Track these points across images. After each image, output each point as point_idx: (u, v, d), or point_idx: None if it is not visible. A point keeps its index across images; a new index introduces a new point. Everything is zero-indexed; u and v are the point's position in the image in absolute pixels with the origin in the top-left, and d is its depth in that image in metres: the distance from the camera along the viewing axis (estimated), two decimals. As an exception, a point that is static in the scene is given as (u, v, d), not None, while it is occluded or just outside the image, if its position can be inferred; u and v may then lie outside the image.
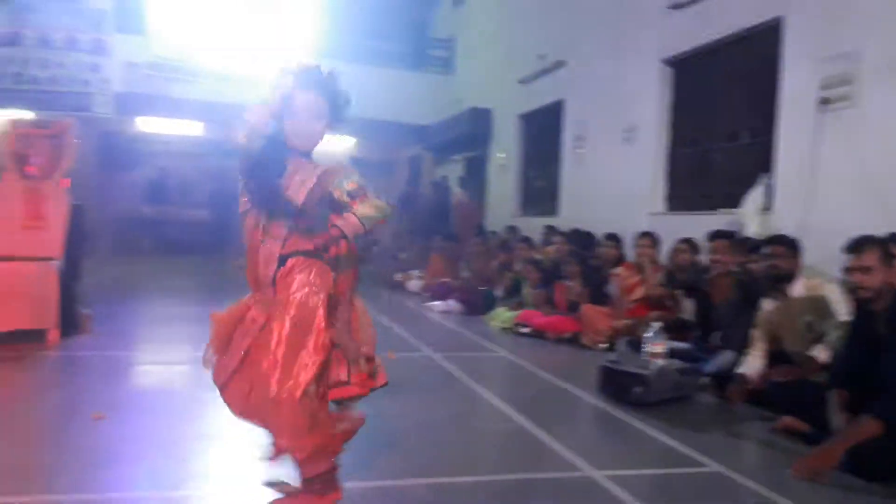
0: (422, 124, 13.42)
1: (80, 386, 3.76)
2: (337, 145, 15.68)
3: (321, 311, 2.14)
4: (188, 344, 5.14)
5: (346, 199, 2.15)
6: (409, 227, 12.06)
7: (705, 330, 4.57)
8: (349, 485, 2.33)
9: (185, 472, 2.60)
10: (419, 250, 10.41)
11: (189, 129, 14.08)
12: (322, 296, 2.15)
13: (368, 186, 2.20)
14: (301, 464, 2.17)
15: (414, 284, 9.10)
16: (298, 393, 2.03)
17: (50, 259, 4.62)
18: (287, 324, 2.09)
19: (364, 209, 2.15)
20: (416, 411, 3.56)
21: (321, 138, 2.25)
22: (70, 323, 4.80)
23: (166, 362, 4.53)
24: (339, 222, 2.14)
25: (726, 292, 4.40)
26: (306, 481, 2.20)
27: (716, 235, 4.72)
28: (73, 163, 4.80)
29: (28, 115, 9.45)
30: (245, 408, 2.21)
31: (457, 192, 12.16)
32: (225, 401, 2.26)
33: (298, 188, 2.15)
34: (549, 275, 6.44)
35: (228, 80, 11.22)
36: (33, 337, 4.50)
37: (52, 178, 4.75)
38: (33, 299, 4.45)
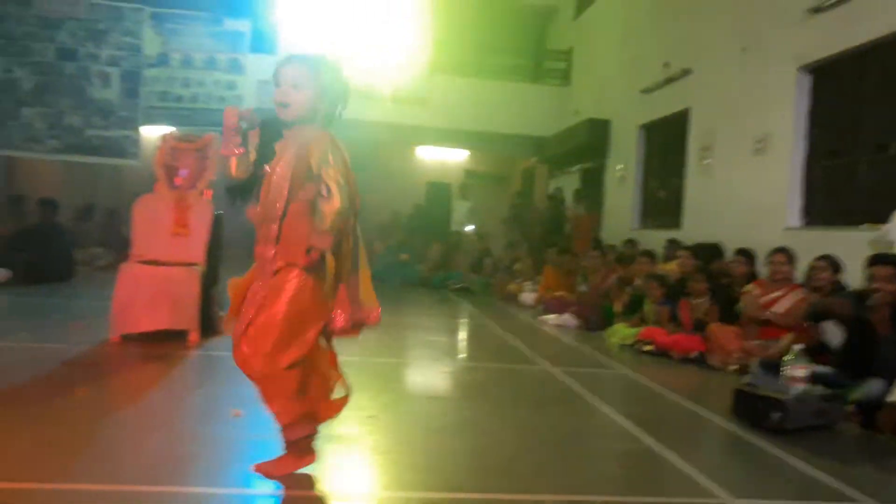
0: (537, 135, 13.36)
1: (218, 384, 3.99)
2: (450, 158, 15.95)
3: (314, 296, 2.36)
4: None
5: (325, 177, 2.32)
6: (522, 239, 12.04)
7: (852, 356, 4.22)
8: (476, 496, 2.33)
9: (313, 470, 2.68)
10: (533, 262, 10.36)
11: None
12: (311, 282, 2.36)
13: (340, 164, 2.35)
14: (284, 428, 2.43)
15: (527, 297, 9.04)
16: (285, 363, 2.30)
17: (194, 264, 4.94)
18: (283, 299, 2.32)
19: (326, 219, 2.30)
20: (539, 426, 3.53)
21: (303, 107, 2.42)
22: (208, 325, 5.10)
23: None
24: (314, 241, 2.31)
25: (888, 322, 4.01)
26: (288, 444, 2.46)
27: (876, 260, 4.15)
28: (215, 175, 5.13)
29: (174, 130, 10.21)
30: (247, 372, 2.39)
31: (570, 205, 12.00)
32: (236, 363, 2.41)
33: (281, 183, 2.38)
34: (674, 291, 6.20)
35: (363, 98, 11.63)
36: (176, 337, 4.83)
37: (197, 189, 5.11)
38: (178, 302, 4.76)
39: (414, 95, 12.66)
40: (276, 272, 2.35)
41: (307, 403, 2.43)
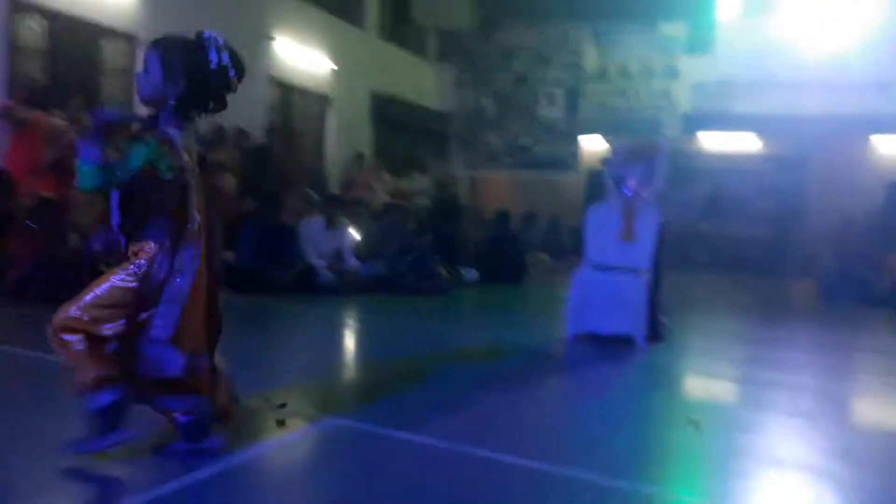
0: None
1: (666, 389, 4.03)
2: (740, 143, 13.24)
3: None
4: (741, 361, 5.05)
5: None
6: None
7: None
8: None
9: (720, 487, 2.53)
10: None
11: (747, 144, 13.87)
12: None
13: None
14: None
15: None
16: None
17: (641, 270, 5.07)
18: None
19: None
20: None
21: (147, 91, 2.24)
22: (654, 331, 5.18)
23: (723, 377, 4.49)
24: None
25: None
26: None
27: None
28: (663, 182, 5.19)
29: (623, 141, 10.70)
30: None
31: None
32: None
33: None
34: None
35: (801, 90, 10.62)
36: (623, 341, 5.02)
37: (644, 196, 5.23)
38: (627, 307, 4.94)
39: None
40: None
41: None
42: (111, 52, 8.53)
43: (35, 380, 3.21)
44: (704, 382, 4.32)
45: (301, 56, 11.05)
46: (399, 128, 13.37)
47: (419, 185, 12.06)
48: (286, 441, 2.67)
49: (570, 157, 12.21)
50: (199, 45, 2.23)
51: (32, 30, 7.53)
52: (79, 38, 8.04)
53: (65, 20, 7.70)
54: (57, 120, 7.23)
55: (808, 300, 9.52)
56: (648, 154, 5.42)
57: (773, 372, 4.61)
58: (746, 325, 6.97)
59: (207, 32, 2.26)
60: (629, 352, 4.88)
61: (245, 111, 9.53)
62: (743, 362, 5.03)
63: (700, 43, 12.02)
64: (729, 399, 4.10)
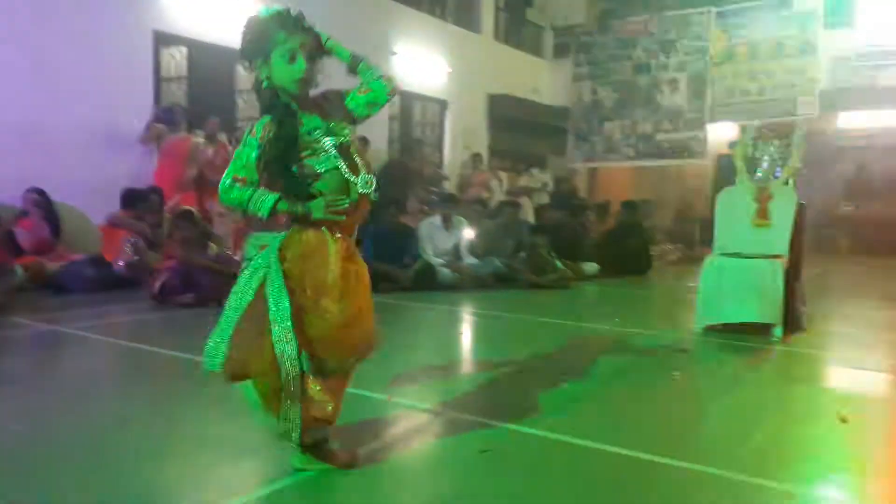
0: None
1: (808, 382, 3.75)
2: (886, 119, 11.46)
3: None
4: (891, 350, 4.60)
5: None
6: None
7: None
8: None
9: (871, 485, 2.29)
10: None
11: (893, 119, 12.66)
12: None
13: None
14: None
15: None
16: None
17: (778, 257, 4.76)
18: None
19: None
20: None
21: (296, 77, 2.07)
22: (792, 320, 4.84)
23: (871, 368, 4.09)
24: None
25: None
26: None
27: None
28: (801, 163, 4.84)
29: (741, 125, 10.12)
30: None
31: None
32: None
33: None
34: None
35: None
36: (759, 330, 4.73)
37: (781, 178, 4.91)
38: (763, 295, 4.65)
39: None
40: None
41: None
42: (244, 75, 9.12)
43: (178, 379, 3.47)
44: (850, 374, 3.97)
45: (419, 63, 11.31)
46: (516, 126, 13.37)
47: (538, 181, 11.98)
48: (412, 436, 2.72)
49: (696, 144, 11.67)
50: None
51: (174, 58, 8.21)
52: (216, 63, 8.67)
53: (203, 48, 8.32)
54: (197, 139, 7.85)
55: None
56: (782, 133, 5.09)
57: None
58: (894, 312, 6.35)
59: None
60: (765, 342, 4.59)
61: (367, 122, 9.87)
62: (892, 352, 4.58)
63: (839, 16, 11.12)
64: (878, 391, 3.75)
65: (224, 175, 2.02)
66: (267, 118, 2.04)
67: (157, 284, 5.44)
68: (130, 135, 7.40)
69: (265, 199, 2.00)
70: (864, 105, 12.10)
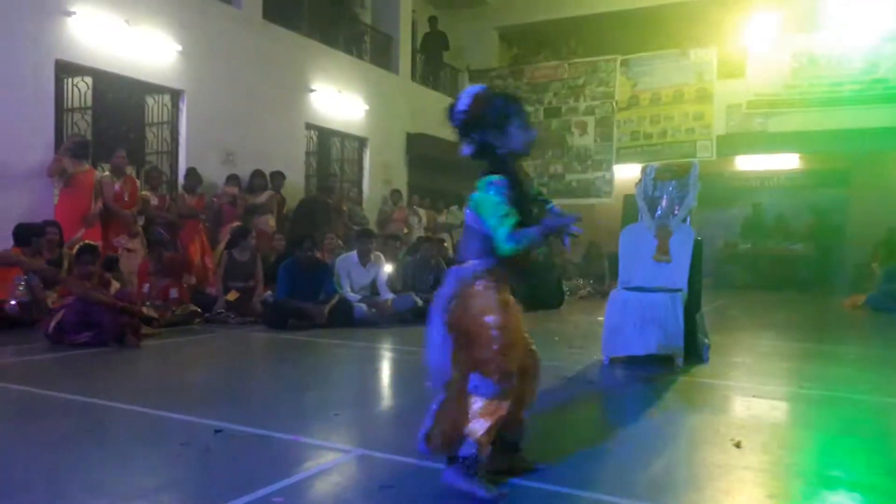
0: None
1: (708, 411, 3.91)
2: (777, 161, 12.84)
3: None
4: (787, 378, 4.88)
5: None
6: None
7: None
8: None
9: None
10: None
11: (783, 162, 13.64)
12: None
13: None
14: None
15: None
16: None
17: (677, 291, 4.99)
18: None
19: None
20: None
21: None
22: (692, 351, 5.06)
23: (767, 396, 4.33)
24: None
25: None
26: None
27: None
28: (696, 202, 5.13)
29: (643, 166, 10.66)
30: None
31: None
32: None
33: None
34: None
35: (834, 106, 10.46)
36: (661, 362, 4.91)
37: (678, 216, 5.17)
38: (663, 328, 4.85)
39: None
40: None
41: None
42: (154, 107, 8.88)
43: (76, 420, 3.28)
44: (748, 402, 4.18)
45: (338, 100, 11.35)
46: (435, 165, 13.56)
47: (457, 218, 12.15)
48: (313, 474, 2.67)
49: (603, 183, 12.19)
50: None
51: (78, 89, 7.91)
52: (123, 94, 8.41)
53: (109, 78, 8.07)
54: (103, 172, 7.56)
55: (855, 315, 9.22)
56: (679, 174, 5.38)
57: (820, 389, 4.45)
58: (790, 342, 6.76)
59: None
60: (668, 373, 4.78)
61: (284, 156, 9.80)
62: (788, 380, 4.86)
63: (730, 66, 11.97)
64: (775, 418, 3.96)
65: (495, 227, 2.37)
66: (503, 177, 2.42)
67: (53, 323, 5.14)
68: (27, 168, 7.05)
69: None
70: (757, 149, 12.98)
